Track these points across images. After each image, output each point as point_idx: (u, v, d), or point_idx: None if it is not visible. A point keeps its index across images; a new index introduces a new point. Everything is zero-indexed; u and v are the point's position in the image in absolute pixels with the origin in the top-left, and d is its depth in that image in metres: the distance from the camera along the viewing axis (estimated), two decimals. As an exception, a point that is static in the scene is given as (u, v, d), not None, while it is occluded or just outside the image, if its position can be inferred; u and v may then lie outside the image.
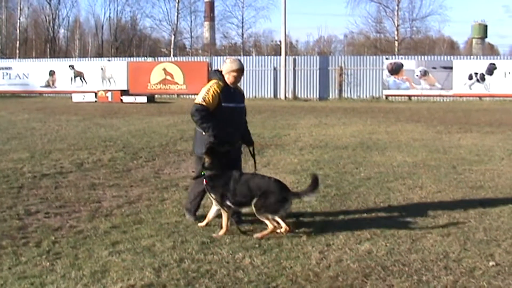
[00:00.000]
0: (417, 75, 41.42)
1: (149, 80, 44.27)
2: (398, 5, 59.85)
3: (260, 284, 5.85)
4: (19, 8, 70.41)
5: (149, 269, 6.21)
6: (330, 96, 42.80)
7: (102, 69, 46.23)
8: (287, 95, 42.43)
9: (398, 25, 59.92)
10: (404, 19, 61.64)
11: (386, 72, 42.07)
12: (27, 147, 15.68)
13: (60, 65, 47.76)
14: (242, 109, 8.43)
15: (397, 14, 60.04)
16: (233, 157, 8.20)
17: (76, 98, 39.75)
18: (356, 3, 63.98)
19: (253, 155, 8.76)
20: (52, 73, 47.18)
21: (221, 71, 8.18)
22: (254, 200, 7.49)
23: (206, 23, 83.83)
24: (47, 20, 74.49)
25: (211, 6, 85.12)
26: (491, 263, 6.43)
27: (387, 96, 41.80)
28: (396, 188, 10.53)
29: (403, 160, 13.62)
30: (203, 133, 7.93)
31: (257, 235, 7.43)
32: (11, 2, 74.92)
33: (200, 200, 8.38)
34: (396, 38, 59.46)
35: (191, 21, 72.55)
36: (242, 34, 72.47)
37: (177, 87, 44.14)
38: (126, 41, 79.68)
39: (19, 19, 71.40)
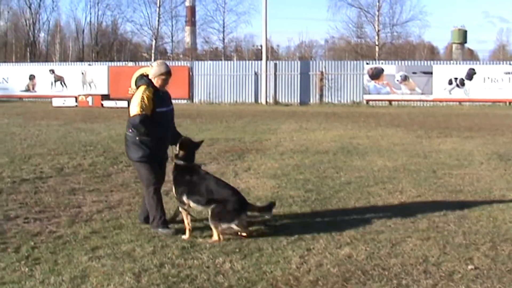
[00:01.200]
0: (397, 80, 41.59)
1: (130, 84, 44.11)
2: (378, 11, 60.30)
3: (240, 288, 5.87)
4: (-1, 11, 70.14)
5: (129, 274, 6.20)
6: (311, 101, 42.86)
7: (82, 73, 46.05)
8: (268, 100, 42.47)
9: (378, 30, 60.30)
10: (384, 24, 62.12)
11: (366, 77, 42.21)
12: (7, 152, 15.59)
13: (41, 70, 47.55)
14: (172, 112, 8.51)
15: (378, 19, 60.45)
16: (162, 160, 8.26)
17: (56, 102, 39.63)
18: (337, 8, 64.04)
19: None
20: (32, 77, 46.97)
21: (147, 76, 8.15)
22: (212, 206, 7.57)
23: (187, 28, 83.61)
24: (27, 24, 74.26)
25: (192, 11, 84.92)
26: (470, 267, 6.46)
27: (367, 101, 41.94)
28: (376, 193, 10.57)
29: (383, 165, 13.66)
30: (137, 138, 7.94)
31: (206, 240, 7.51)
32: (-10, 6, 74.63)
33: (160, 203, 8.12)
34: (377, 43, 59.82)
35: (172, 26, 72.46)
36: (223, 39, 72.54)
37: (158, 91, 43.95)
38: (107, 46, 79.51)
39: (-1, 23, 71.11)
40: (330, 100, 42.60)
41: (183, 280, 6.07)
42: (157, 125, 7.96)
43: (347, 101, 42.42)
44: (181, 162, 7.96)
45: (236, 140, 18.86)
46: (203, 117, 29.49)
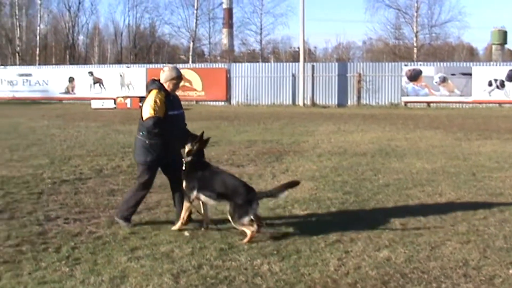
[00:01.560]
0: (436, 82, 41.18)
1: (168, 86, 44.30)
2: (417, 12, 59.82)
3: (279, 290, 5.87)
4: (39, 15, 70.83)
5: (168, 275, 6.24)
6: (349, 103, 42.66)
7: (121, 75, 46.33)
8: (305, 102, 42.35)
9: (417, 32, 59.83)
10: (423, 25, 61.59)
11: (404, 79, 41.84)
12: (47, 153, 15.79)
13: (80, 72, 47.93)
14: (183, 115, 8.63)
15: (416, 20, 59.98)
16: (177, 163, 8.31)
17: (95, 104, 39.92)
18: (375, 9, 63.71)
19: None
20: (71, 79, 47.35)
21: (159, 80, 8.29)
22: (228, 208, 7.81)
23: (225, 30, 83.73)
24: (67, 27, 74.93)
25: (229, 13, 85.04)
26: (511, 271, 6.39)
27: (406, 103, 41.58)
28: (415, 195, 10.50)
29: (422, 167, 13.56)
30: (147, 141, 8.13)
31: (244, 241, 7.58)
32: (31, 9, 75.51)
33: (136, 207, 8.48)
34: (415, 45, 59.35)
35: (210, 28, 72.79)
36: (261, 41, 72.67)
37: (196, 93, 44.18)
38: (145, 48, 79.94)
39: (39, 26, 71.82)
40: (368, 102, 42.34)
41: (221, 281, 6.09)
42: (169, 128, 8.12)
43: (385, 103, 42.11)
44: (190, 159, 8.14)
45: (274, 142, 18.85)
46: (240, 119, 29.52)
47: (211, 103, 43.54)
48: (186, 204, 8.09)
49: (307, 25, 52.31)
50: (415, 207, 9.52)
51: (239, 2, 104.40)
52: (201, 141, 8.25)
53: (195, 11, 63.52)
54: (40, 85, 48.07)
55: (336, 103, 42.70)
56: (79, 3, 74.51)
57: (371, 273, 6.33)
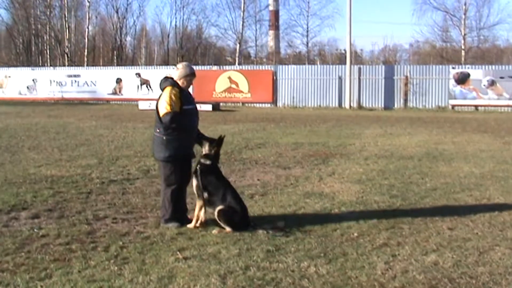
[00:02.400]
0: (484, 85, 40.65)
1: (214, 88, 44.50)
2: (465, 14, 59.26)
3: (326, 293, 5.86)
4: (87, 16, 71.81)
5: (215, 276, 6.27)
6: (395, 106, 42.35)
7: (168, 77, 46.52)
8: (352, 104, 42.19)
9: (465, 34, 59.24)
10: (471, 28, 60.97)
11: (452, 82, 41.38)
12: (95, 154, 15.99)
13: (127, 73, 48.42)
14: (197, 110, 8.81)
15: (464, 23, 59.41)
16: (188, 159, 8.64)
17: (142, 105, 40.16)
18: (422, 12, 63.33)
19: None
20: (119, 80, 47.81)
21: (172, 78, 8.49)
22: (220, 207, 8.15)
23: (271, 32, 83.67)
24: (114, 29, 75.67)
25: (276, 15, 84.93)
26: (562, 277, 6.30)
27: (453, 106, 41.13)
28: (462, 200, 10.41)
29: (470, 171, 13.42)
30: (164, 138, 8.31)
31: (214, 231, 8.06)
32: (80, 11, 76.53)
33: (174, 205, 8.49)
34: (463, 47, 58.74)
35: (256, 30, 72.84)
36: (307, 43, 72.61)
37: (242, 95, 44.31)
38: (192, 50, 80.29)
39: (88, 28, 72.73)
40: (414, 105, 41.98)
41: (268, 283, 6.10)
42: (185, 122, 8.35)
43: (432, 106, 41.71)
44: (208, 162, 8.40)
45: (320, 144, 18.81)
46: (287, 121, 29.51)
47: (257, 105, 43.59)
48: (199, 203, 8.32)
49: (354, 27, 52.28)
50: (463, 212, 9.40)
51: (286, 4, 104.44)
52: (219, 145, 8.51)
53: (241, 13, 63.73)
54: (88, 86, 48.67)
55: (383, 106, 42.44)
56: (127, 4, 75.18)
57: (419, 277, 6.29)
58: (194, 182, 8.37)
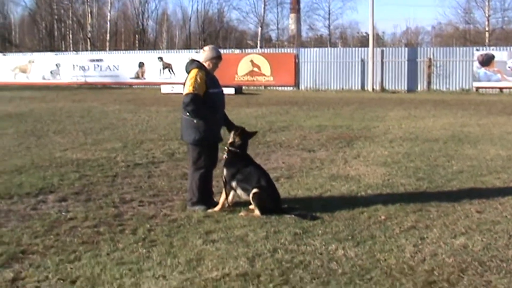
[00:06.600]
0: (509, 67, 40.15)
1: (236, 71, 44.43)
2: (489, -5, 58.57)
3: (354, 276, 5.83)
4: (109, 1, 71.98)
5: (243, 258, 6.27)
6: (419, 88, 42.01)
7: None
8: (374, 87, 41.94)
9: (489, 15, 58.63)
10: (495, 9, 60.38)
11: (476, 64, 40.94)
12: (120, 137, 16.05)
13: (149, 57, 48.44)
14: (223, 94, 8.78)
15: (488, 4, 58.80)
16: (215, 142, 8.67)
17: (165, 89, 40.19)
18: (445, -7, 62.84)
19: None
20: (141, 64, 47.82)
21: (198, 61, 8.48)
22: (254, 191, 8.08)
23: (293, 15, 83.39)
24: (136, 13, 75.80)
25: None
26: None
27: (477, 88, 40.70)
28: (490, 182, 10.32)
29: (496, 154, 13.29)
30: (195, 121, 8.27)
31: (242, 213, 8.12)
32: (101, -4, 76.67)
33: (202, 188, 8.47)
34: (487, 29, 58.13)
35: (278, 13, 72.88)
36: (329, 26, 72.31)
37: (264, 78, 44.20)
38: (213, 33, 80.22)
39: (109, 12, 72.98)
40: (438, 87, 41.63)
41: (296, 266, 6.09)
42: (211, 105, 8.33)
43: (456, 88, 41.31)
44: (235, 150, 8.41)
45: (344, 127, 18.73)
46: (309, 104, 29.39)
47: (280, 88, 43.48)
48: (225, 191, 8.35)
49: (376, 9, 51.70)
50: (491, 194, 9.30)
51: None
52: (245, 135, 8.56)
53: (263, -4, 63.52)
54: (110, 70, 48.76)
55: (406, 88, 42.14)
56: (149, -12, 75.27)
57: (448, 261, 6.25)
58: (224, 171, 8.38)
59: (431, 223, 7.68)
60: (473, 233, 7.21)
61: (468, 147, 14.37)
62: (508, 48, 42.71)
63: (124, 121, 20.47)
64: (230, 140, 8.49)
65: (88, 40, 71.41)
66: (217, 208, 8.28)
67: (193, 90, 8.15)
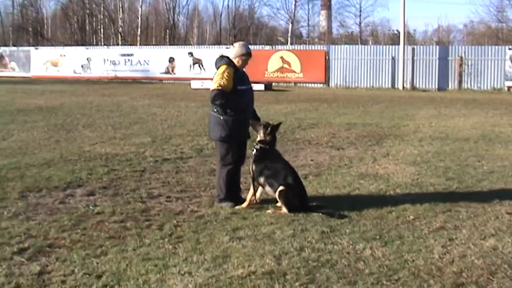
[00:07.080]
0: (542, 67, 39.71)
1: (267, 68, 44.32)
2: (523, -7, 57.95)
3: (382, 276, 5.77)
4: (141, -4, 72.35)
5: (269, 256, 6.24)
6: (449, 87, 41.63)
7: (220, 56, 46.53)
8: (405, 85, 41.64)
9: (522, 14, 57.95)
10: (528, 8, 59.61)
11: (508, 63, 40.48)
12: (149, 132, 16.09)
13: (179, 52, 48.49)
14: (252, 91, 8.80)
15: (522, 2, 58.10)
16: (244, 139, 8.70)
17: (194, 84, 40.20)
18: (477, -9, 62.32)
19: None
20: (171, 60, 47.92)
21: (227, 57, 8.43)
22: (281, 188, 8.03)
23: (323, 12, 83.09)
24: (167, 8, 76.09)
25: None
26: None
27: (509, 88, 40.25)
28: (521, 184, 10.19)
29: (528, 155, 13.13)
30: (221, 118, 8.28)
31: (269, 211, 8.07)
32: (133, -9, 77.14)
33: (229, 185, 8.46)
34: (520, 28, 57.52)
35: (309, 10, 72.82)
36: (360, 23, 72.11)
37: (294, 75, 44.07)
38: (244, 29, 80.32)
39: (141, 7, 73.34)
40: (469, 86, 41.22)
41: (323, 265, 6.04)
42: (240, 102, 8.33)
43: (487, 87, 40.88)
44: (265, 146, 8.37)
45: (374, 125, 18.61)
46: (339, 101, 29.26)
47: (310, 85, 43.33)
48: (253, 187, 8.36)
49: (407, 7, 51.40)
50: (523, 196, 9.18)
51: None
52: (274, 131, 8.49)
53: (294, -7, 63.40)
54: (141, 65, 48.92)
55: (436, 87, 41.80)
56: (180, -16, 75.52)
57: (477, 262, 6.16)
58: (253, 167, 8.36)
59: (460, 224, 7.59)
60: (503, 235, 7.11)
61: (499, 147, 14.21)
62: (541, 47, 42.15)
63: (153, 116, 20.51)
64: (260, 137, 8.43)
65: (119, 34, 71.86)
66: (244, 205, 8.26)
67: (219, 86, 8.13)
